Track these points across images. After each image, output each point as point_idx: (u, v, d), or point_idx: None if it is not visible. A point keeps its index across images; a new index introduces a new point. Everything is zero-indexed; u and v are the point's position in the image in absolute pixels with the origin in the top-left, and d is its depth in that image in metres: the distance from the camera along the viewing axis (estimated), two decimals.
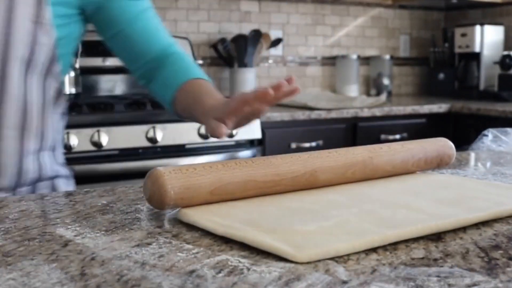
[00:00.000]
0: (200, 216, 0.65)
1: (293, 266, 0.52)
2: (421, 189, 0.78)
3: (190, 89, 1.03)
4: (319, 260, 0.53)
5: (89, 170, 2.00)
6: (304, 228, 0.60)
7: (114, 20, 1.06)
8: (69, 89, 2.30)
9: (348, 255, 0.55)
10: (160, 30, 1.10)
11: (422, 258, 0.55)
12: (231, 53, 2.82)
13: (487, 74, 3.12)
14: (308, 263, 0.53)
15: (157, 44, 1.08)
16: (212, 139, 2.15)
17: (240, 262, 0.54)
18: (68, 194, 0.83)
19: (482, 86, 3.13)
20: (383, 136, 2.63)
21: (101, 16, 1.06)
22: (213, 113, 0.89)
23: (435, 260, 0.54)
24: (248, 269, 0.52)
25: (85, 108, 2.08)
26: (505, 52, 2.94)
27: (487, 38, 3.09)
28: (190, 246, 0.58)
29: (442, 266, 0.53)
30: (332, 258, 0.54)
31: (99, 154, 2.02)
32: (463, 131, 2.75)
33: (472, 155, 1.15)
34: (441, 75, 3.28)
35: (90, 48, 2.47)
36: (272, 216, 0.65)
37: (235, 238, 0.59)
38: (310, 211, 0.67)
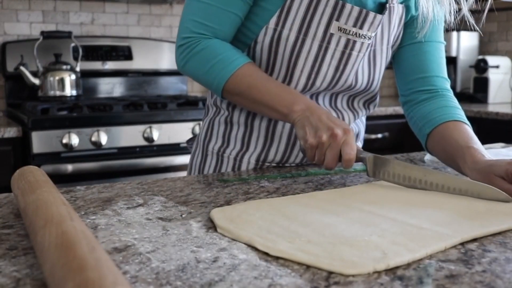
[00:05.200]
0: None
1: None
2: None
3: (447, 134, 0.97)
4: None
5: (89, 167, 2.00)
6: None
7: (410, 35, 1.07)
8: (70, 91, 2.29)
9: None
10: (440, 64, 1.08)
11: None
12: None
13: (463, 77, 3.13)
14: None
15: (433, 73, 1.06)
16: None
17: None
18: (69, 190, 0.82)
19: (458, 88, 3.14)
20: (365, 135, 2.63)
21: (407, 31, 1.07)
22: (493, 170, 0.81)
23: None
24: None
25: (85, 109, 2.07)
26: (480, 57, 2.95)
27: (463, 44, 3.10)
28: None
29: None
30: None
31: (99, 153, 2.01)
32: None
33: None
34: None
35: (90, 53, 2.46)
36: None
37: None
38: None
